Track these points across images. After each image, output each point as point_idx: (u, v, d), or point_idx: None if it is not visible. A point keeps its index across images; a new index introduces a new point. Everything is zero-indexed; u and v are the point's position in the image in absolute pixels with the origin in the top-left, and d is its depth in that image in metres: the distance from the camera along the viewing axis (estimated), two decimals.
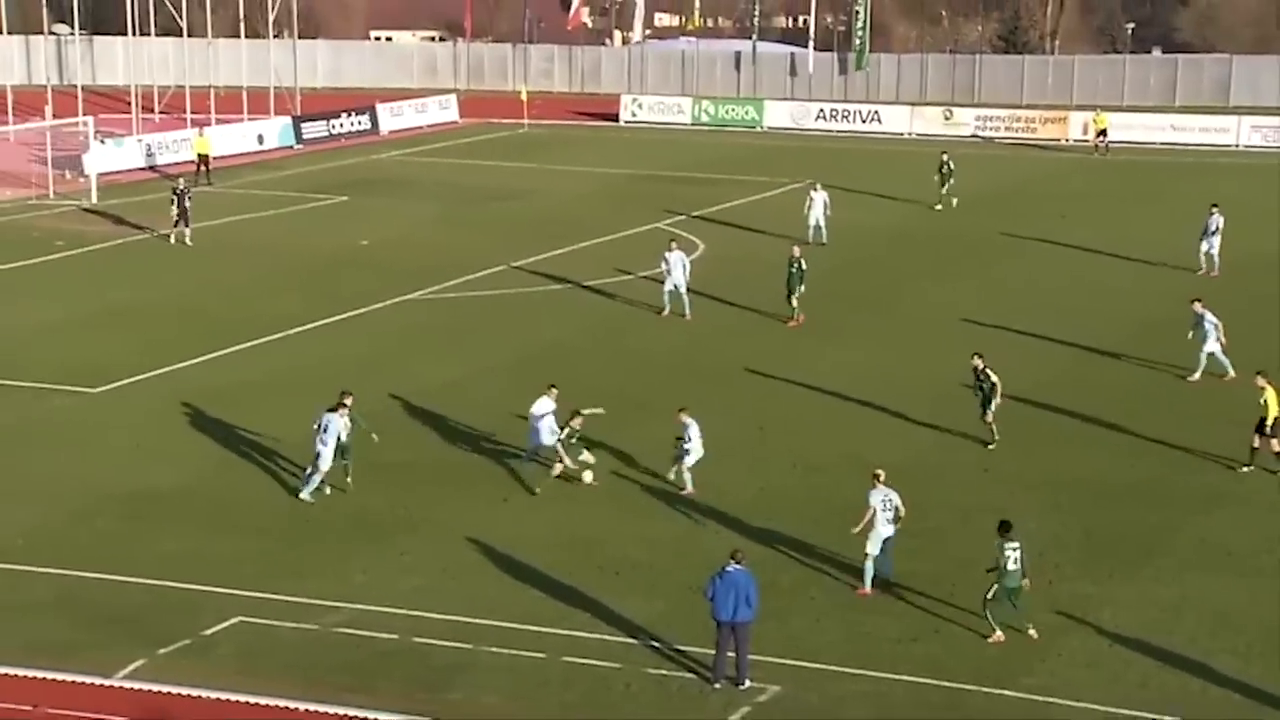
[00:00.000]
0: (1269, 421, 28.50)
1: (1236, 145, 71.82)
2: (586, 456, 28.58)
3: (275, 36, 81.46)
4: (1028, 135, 75.60)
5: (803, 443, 30.95)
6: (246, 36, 78.98)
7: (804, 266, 40.71)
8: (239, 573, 24.84)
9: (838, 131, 78.78)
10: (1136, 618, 23.13)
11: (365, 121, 78.86)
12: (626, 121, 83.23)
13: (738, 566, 21.24)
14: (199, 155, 63.35)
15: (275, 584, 24.43)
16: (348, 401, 28.60)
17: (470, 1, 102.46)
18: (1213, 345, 34.29)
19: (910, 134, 77.47)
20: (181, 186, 51.70)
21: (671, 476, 28.35)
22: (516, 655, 22.13)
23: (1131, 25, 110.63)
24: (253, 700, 20.73)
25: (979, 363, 30.19)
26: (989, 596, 22.36)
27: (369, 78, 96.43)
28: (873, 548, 24.07)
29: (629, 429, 31.80)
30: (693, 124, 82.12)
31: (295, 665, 21.82)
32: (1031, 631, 22.36)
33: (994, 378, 29.98)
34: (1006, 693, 20.96)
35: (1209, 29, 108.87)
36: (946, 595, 23.98)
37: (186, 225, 50.80)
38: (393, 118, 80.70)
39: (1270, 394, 28.57)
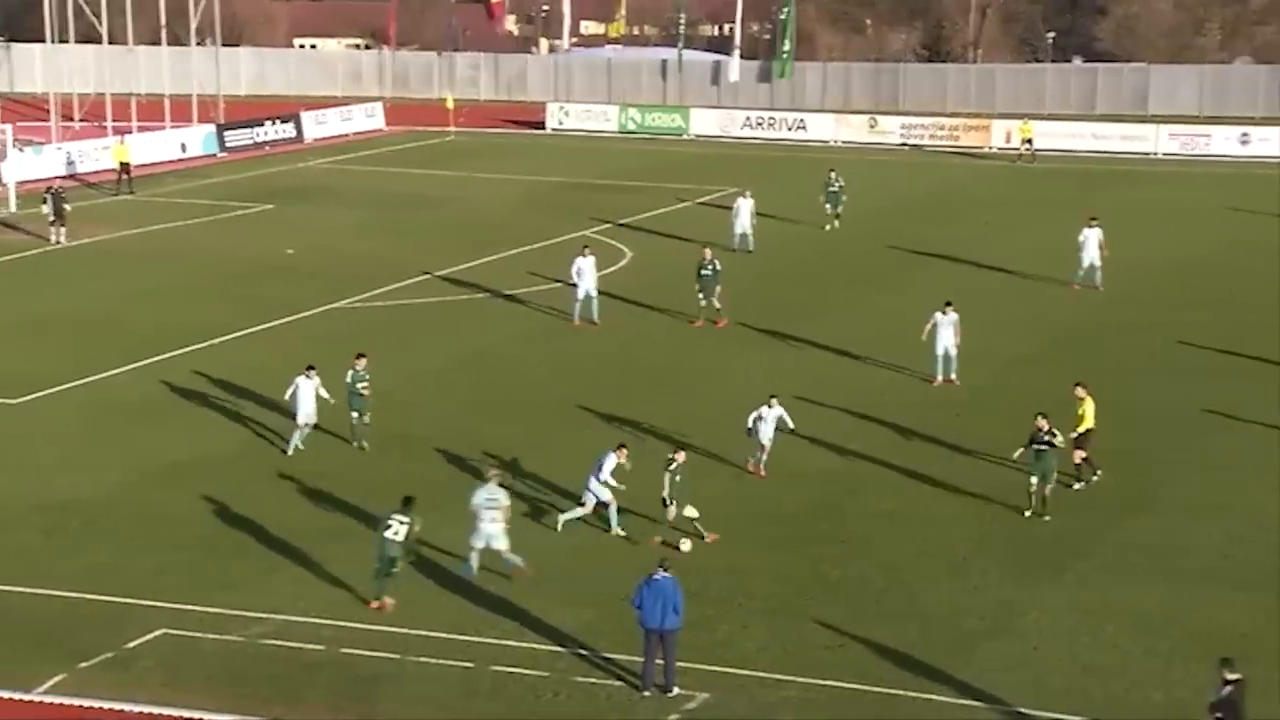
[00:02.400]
0: (1088, 433, 28.58)
1: (1155, 153, 72.76)
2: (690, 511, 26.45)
3: (198, 44, 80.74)
4: (951, 143, 76.23)
5: (728, 450, 31.00)
6: (168, 44, 78.24)
7: (718, 268, 40.78)
8: (163, 585, 24.59)
9: (764, 139, 79.11)
10: (1061, 621, 23.36)
11: (290, 129, 78.33)
12: (553, 129, 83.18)
13: (665, 574, 21.26)
14: (119, 163, 62.69)
15: (200, 595, 24.19)
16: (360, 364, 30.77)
17: (394, 9, 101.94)
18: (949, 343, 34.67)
19: (835, 142, 77.92)
20: (55, 188, 52.05)
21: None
22: (444, 665, 22.04)
23: (1052, 34, 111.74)
24: (176, 714, 20.52)
25: (1044, 423, 27.30)
26: (375, 568, 23.45)
27: (293, 85, 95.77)
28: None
29: (551, 437, 31.76)
30: (619, 132, 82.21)
31: (220, 677, 21.62)
32: (389, 602, 23.35)
33: (1058, 439, 27.31)
34: (934, 697, 21.11)
35: (1127, 39, 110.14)
36: (873, 601, 24.11)
37: (62, 225, 51.29)
38: (318, 126, 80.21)
39: (1090, 405, 28.76)
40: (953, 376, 35.08)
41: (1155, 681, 21.41)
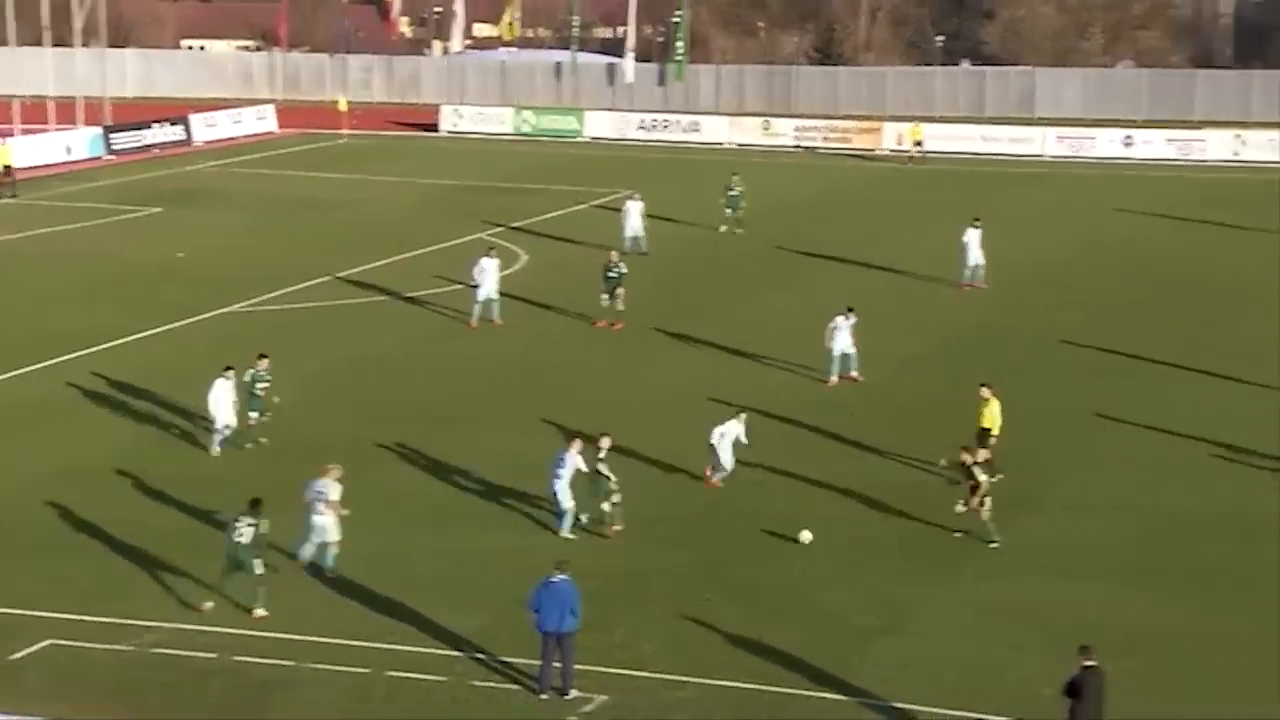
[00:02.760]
0: (993, 432, 29.07)
1: (1042, 155, 73.89)
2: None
3: (83, 45, 79.46)
4: (844, 145, 76.90)
5: (623, 452, 31.01)
6: (52, 44, 76.90)
7: (623, 270, 41.05)
8: (50, 595, 24.18)
9: (658, 141, 79.33)
10: (953, 619, 23.66)
11: (179, 132, 77.32)
12: (448, 132, 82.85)
13: (562, 577, 21.28)
14: (1, 166, 61.54)
15: (88, 605, 23.83)
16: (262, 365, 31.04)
17: (285, 10, 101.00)
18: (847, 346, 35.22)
19: (730, 144, 78.33)
20: None
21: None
22: (339, 671, 21.89)
23: (941, 38, 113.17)
24: None
25: (967, 458, 26.53)
26: (222, 569, 23.46)
27: (182, 87, 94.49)
28: None
29: (448, 440, 31.66)
30: (514, 134, 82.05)
31: (110, 688, 21.32)
32: (259, 611, 23.26)
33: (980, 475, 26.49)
34: (829, 695, 21.29)
35: (1013, 42, 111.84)
36: (770, 601, 24.28)
37: None
38: (207, 128, 79.25)
39: (995, 406, 29.24)
40: (854, 373, 35.40)
41: (1045, 678, 21.69)
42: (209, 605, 23.66)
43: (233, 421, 30.82)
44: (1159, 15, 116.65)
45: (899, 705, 21.00)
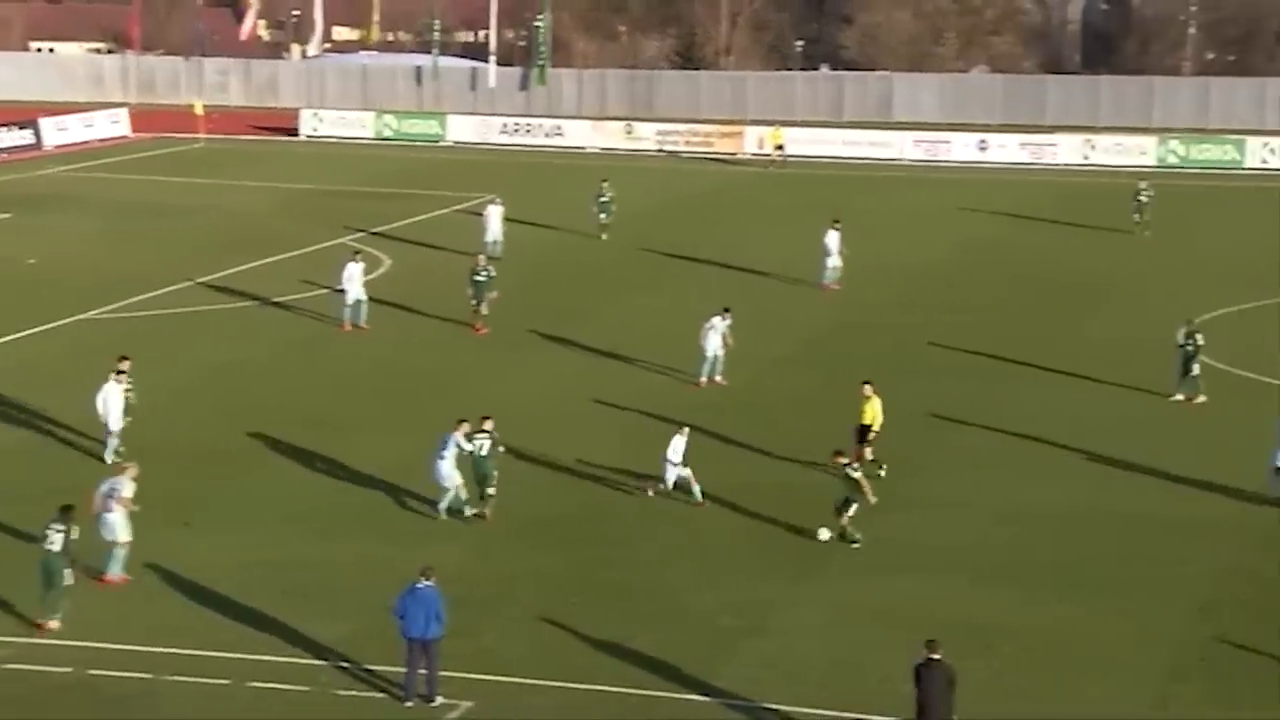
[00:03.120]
0: (873, 429, 29.65)
1: (900, 159, 74.94)
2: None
3: None
4: (706, 149, 77.36)
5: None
6: None
7: (491, 274, 41.05)
8: None
9: (521, 146, 79.20)
10: (815, 618, 23.89)
11: (28, 136, 75.58)
12: (308, 136, 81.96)
13: (428, 583, 21.15)
14: None
15: None
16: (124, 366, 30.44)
17: (137, 12, 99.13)
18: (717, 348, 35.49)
19: (592, 148, 78.42)
20: None
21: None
22: (199, 683, 21.54)
23: (801, 43, 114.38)
24: None
25: (841, 460, 26.74)
26: (39, 581, 22.98)
27: (30, 90, 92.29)
28: None
29: (318, 446, 31.32)
30: (376, 138, 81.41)
31: None
32: (52, 624, 22.95)
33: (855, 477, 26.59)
34: (693, 697, 21.39)
35: (871, 47, 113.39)
36: (636, 603, 24.34)
37: None
38: (58, 132, 77.55)
39: (876, 403, 29.80)
40: (718, 378, 35.67)
41: (905, 675, 21.96)
42: (55, 625, 23.08)
43: (120, 424, 30.11)
44: (1010, 21, 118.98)
45: (763, 705, 21.16)
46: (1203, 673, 22.20)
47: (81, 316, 42.07)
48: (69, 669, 21.86)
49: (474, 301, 40.72)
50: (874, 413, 29.74)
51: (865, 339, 40.61)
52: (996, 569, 25.82)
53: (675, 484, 28.33)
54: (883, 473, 29.46)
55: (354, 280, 40.62)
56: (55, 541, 23.04)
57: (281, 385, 36.12)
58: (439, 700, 21.03)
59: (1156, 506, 28.54)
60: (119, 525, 24.59)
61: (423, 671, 21.08)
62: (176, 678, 21.65)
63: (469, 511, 27.44)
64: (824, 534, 26.48)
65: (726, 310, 36.00)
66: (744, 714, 21.01)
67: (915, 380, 36.57)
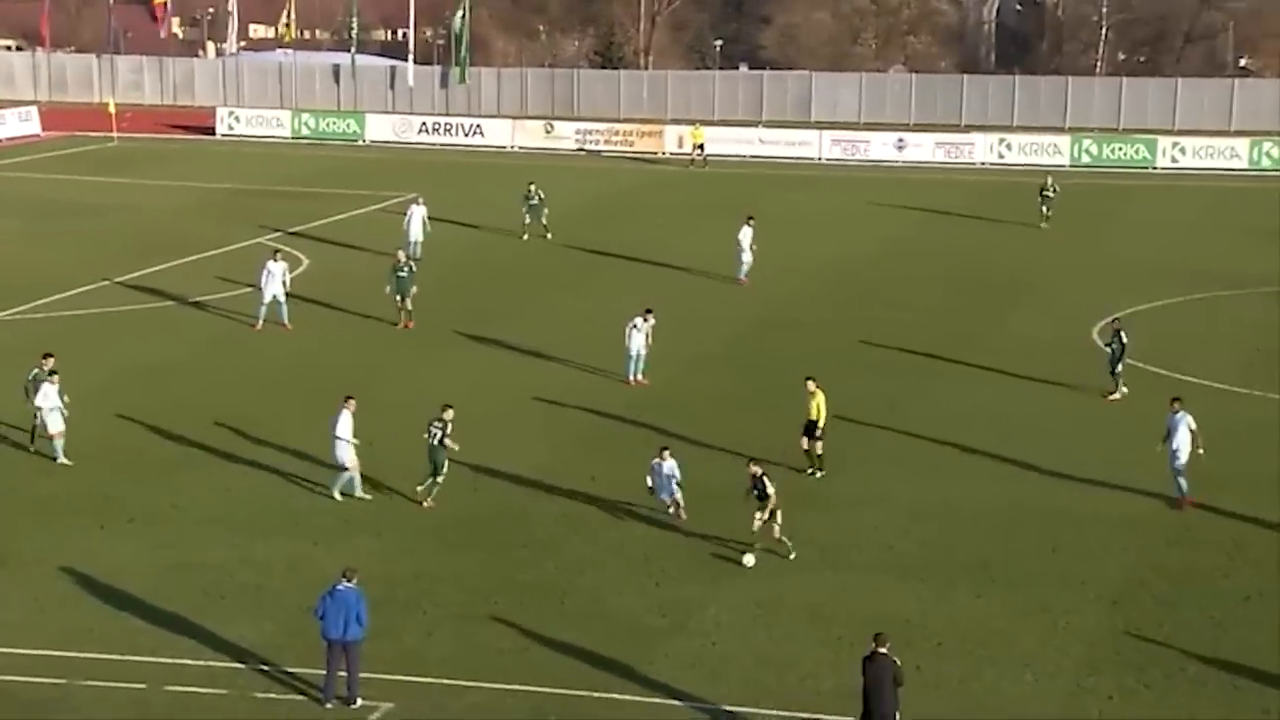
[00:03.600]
0: (819, 424, 29.95)
1: (819, 158, 75.37)
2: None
3: None
4: (626, 148, 77.45)
5: (411, 457, 30.84)
6: None
7: (413, 269, 41.22)
8: None
9: (441, 145, 78.91)
10: (738, 616, 24.00)
11: None
12: (224, 135, 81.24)
13: (349, 585, 21.06)
14: None
15: None
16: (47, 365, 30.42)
17: (47, 9, 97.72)
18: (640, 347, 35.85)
19: (513, 147, 78.28)
20: None
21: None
22: (115, 687, 21.33)
23: (720, 42, 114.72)
24: None
25: (757, 470, 26.21)
26: None
27: None
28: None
29: (235, 448, 31.08)
30: (293, 137, 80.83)
31: None
32: None
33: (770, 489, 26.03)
34: (617, 696, 21.44)
35: (790, 47, 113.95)
36: (558, 603, 24.35)
37: None
38: None
39: (820, 398, 30.06)
40: (640, 376, 35.78)
41: (826, 670, 22.20)
42: None
43: (60, 425, 29.88)
44: (927, 22, 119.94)
45: (687, 703, 21.24)
46: (1115, 666, 22.52)
47: None
48: None
49: (397, 297, 40.70)
50: (820, 408, 29.93)
51: (786, 337, 40.81)
52: (915, 565, 26.06)
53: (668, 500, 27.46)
54: (819, 475, 29.69)
55: (274, 279, 40.37)
56: None
57: (200, 385, 35.78)
58: (359, 702, 20.94)
59: (1071, 502, 28.91)
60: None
61: (343, 674, 20.99)
62: (92, 682, 21.43)
63: (358, 493, 28.24)
64: (749, 560, 25.76)
65: (649, 311, 36.13)
66: (667, 712, 21.08)
67: (834, 377, 36.70)
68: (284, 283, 40.59)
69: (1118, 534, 27.42)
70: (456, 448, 28.17)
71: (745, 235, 46.45)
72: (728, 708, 21.14)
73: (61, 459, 29.91)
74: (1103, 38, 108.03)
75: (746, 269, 46.41)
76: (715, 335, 40.84)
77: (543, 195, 53.35)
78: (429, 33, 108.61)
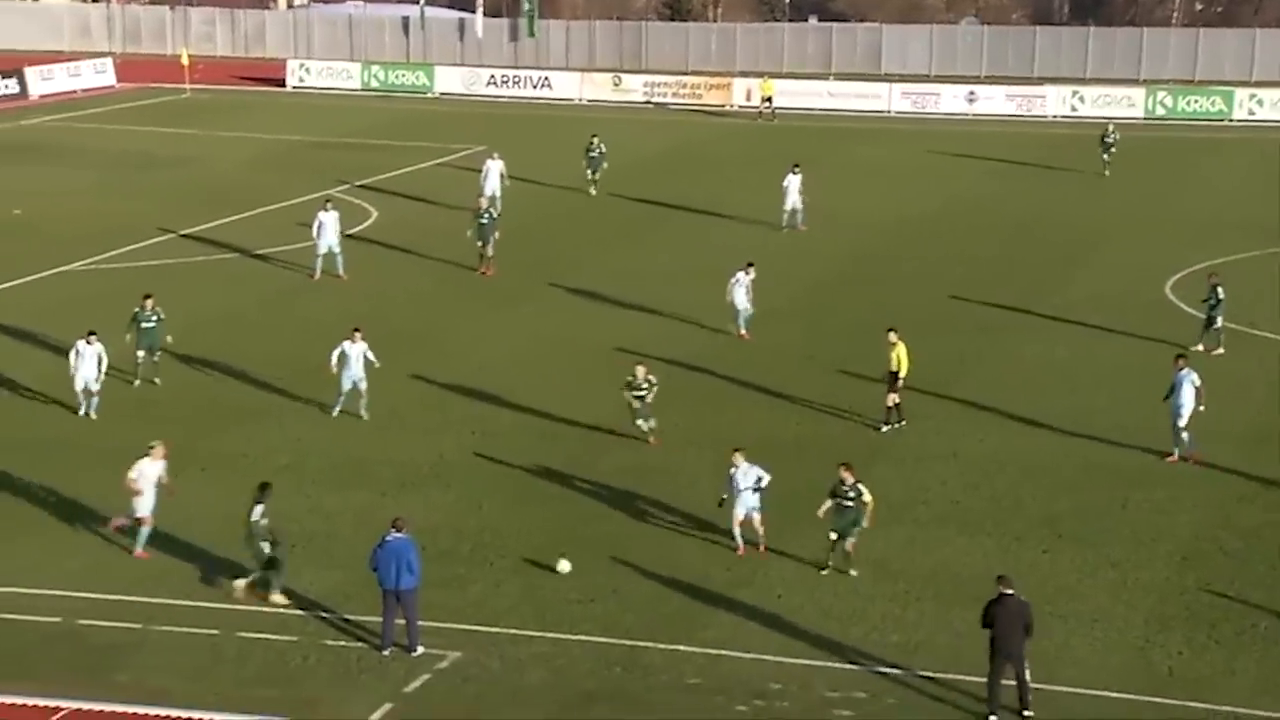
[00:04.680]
0: (902, 375, 29.88)
1: (889, 111, 74.75)
2: None
3: None
4: (694, 101, 77.10)
5: (481, 409, 31.01)
6: None
7: (495, 215, 41.74)
8: None
9: (509, 97, 78.90)
10: (805, 570, 23.98)
11: (12, 85, 75.19)
12: (294, 87, 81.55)
13: (398, 535, 21.22)
14: None
15: None
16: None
17: None
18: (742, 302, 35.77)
19: (580, 100, 78.14)
20: None
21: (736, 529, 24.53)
22: (188, 633, 21.64)
23: None
24: None
25: (848, 476, 23.87)
26: None
27: (15, 39, 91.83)
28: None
29: (303, 399, 31.34)
30: (362, 89, 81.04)
31: None
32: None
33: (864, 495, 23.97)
34: (682, 647, 21.51)
35: None
36: (624, 552, 24.42)
37: None
38: (43, 81, 77.13)
39: (901, 349, 29.94)
40: (743, 331, 35.78)
41: (892, 624, 22.18)
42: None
43: (94, 386, 30.01)
44: None
45: (750, 655, 21.28)
46: (1186, 621, 22.36)
47: (66, 268, 41.98)
48: (58, 619, 21.93)
49: (479, 243, 41.09)
50: (900, 359, 29.84)
51: (853, 292, 40.58)
52: (983, 520, 25.94)
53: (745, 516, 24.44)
54: (900, 425, 29.62)
55: (326, 229, 40.52)
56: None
57: (270, 336, 36.06)
58: (420, 650, 21.11)
59: (1141, 458, 28.64)
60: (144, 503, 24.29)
61: (402, 622, 21.17)
62: (166, 628, 21.74)
63: (363, 412, 29.84)
64: (563, 566, 23.54)
65: (750, 264, 36.02)
66: (733, 665, 21.12)
67: (903, 333, 36.62)
68: (338, 232, 40.73)
69: (1188, 490, 27.17)
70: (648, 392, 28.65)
71: (791, 183, 46.36)
72: (793, 661, 21.16)
73: (84, 411, 30.13)
74: None
75: (789, 218, 46.33)
76: (782, 290, 40.61)
77: (604, 149, 53.20)
78: None
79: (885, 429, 29.83)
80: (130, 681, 20.39)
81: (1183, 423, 28.25)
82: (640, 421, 28.82)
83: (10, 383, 32.24)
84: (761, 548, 24.34)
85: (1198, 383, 28.22)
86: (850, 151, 62.49)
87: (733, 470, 24.41)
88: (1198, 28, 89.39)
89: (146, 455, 24.36)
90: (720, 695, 20.27)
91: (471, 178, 50.01)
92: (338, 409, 30.26)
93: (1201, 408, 28.19)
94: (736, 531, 24.36)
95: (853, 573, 23.64)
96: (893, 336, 30.16)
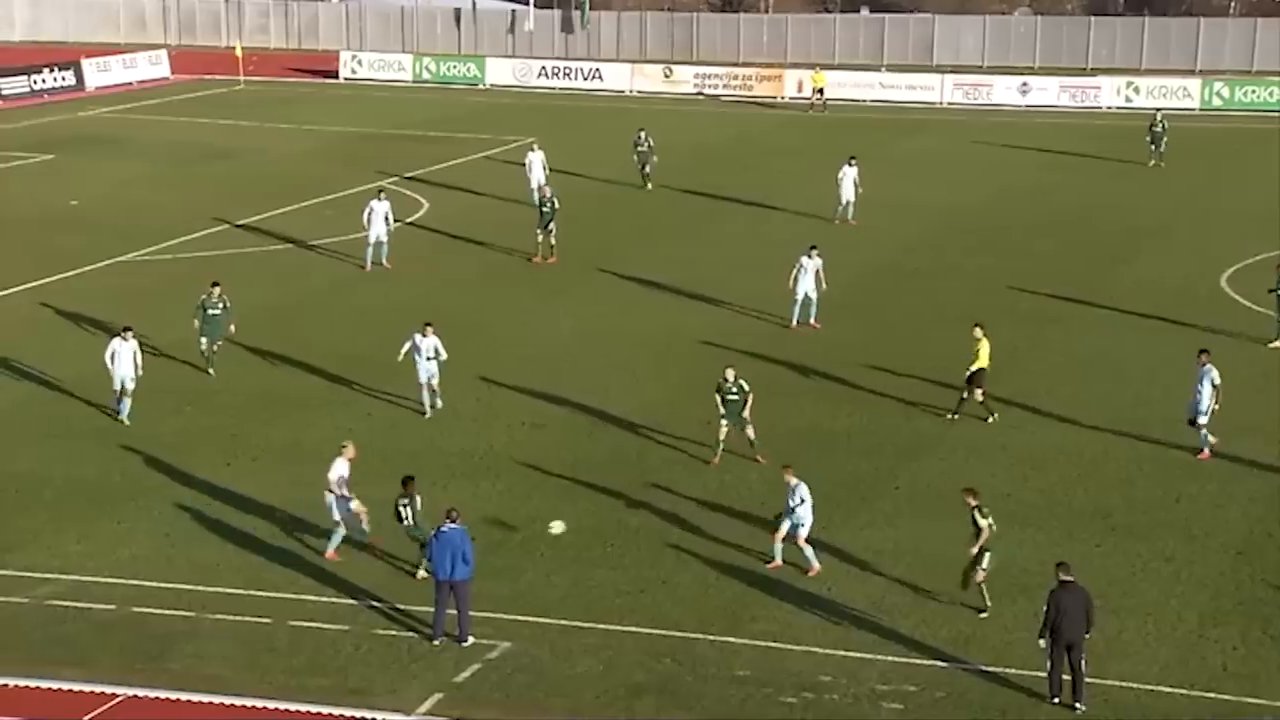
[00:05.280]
0: (980, 371, 29.76)
1: (941, 102, 74.36)
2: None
3: None
4: (745, 93, 76.92)
5: (532, 400, 31.09)
6: None
7: (556, 205, 41.90)
8: None
9: (560, 89, 78.96)
10: (853, 563, 23.94)
11: (69, 77, 75.81)
12: (346, 79, 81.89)
13: (453, 525, 21.30)
14: None
15: None
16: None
17: None
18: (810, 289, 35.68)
19: (631, 91, 78.11)
20: None
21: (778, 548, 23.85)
22: (241, 621, 21.81)
23: None
24: None
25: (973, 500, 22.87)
26: None
27: (72, 31, 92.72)
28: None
29: (356, 389, 31.50)
30: (414, 81, 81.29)
31: (6, 641, 21.13)
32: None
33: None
34: (731, 639, 21.51)
35: None
36: (674, 544, 24.44)
37: None
38: (99, 73, 77.74)
39: (985, 345, 29.81)
40: (813, 321, 35.69)
41: (942, 619, 22.11)
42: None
43: (131, 383, 29.81)
44: None
45: (803, 648, 21.26)
46: (1240, 616, 22.18)
47: (122, 258, 42.33)
48: (113, 606, 22.15)
49: (539, 233, 41.72)
50: (981, 354, 29.76)
51: (907, 284, 40.43)
52: (1034, 514, 25.81)
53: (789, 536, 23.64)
54: (955, 418, 29.54)
55: (377, 217, 40.85)
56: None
57: (320, 326, 36.26)
58: (470, 640, 21.21)
59: (1196, 450, 28.39)
60: (332, 506, 23.95)
61: (453, 612, 21.26)
62: (219, 616, 21.92)
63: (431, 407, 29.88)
64: (556, 526, 23.82)
65: (813, 248, 35.97)
66: (782, 657, 21.11)
67: (954, 326, 36.46)
68: (387, 220, 41.00)
69: (1242, 484, 26.94)
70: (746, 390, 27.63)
71: (847, 175, 46.37)
72: (843, 653, 21.13)
73: (126, 414, 29.63)
74: None
75: (853, 211, 46.20)
76: (835, 280, 40.46)
77: (652, 142, 53.04)
78: None
79: (991, 419, 29.72)
80: (183, 669, 20.59)
81: (1203, 420, 27.98)
82: (726, 426, 27.44)
83: (66, 371, 32.53)
84: (810, 571, 23.51)
85: (1217, 380, 27.95)
86: (902, 143, 62.21)
87: (792, 484, 23.53)
88: (1255, 18, 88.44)
89: (339, 455, 24.01)
90: (769, 687, 20.27)
91: (521, 170, 50.01)
92: (428, 409, 29.93)
93: (1216, 405, 27.90)
94: (778, 548, 23.76)
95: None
96: (978, 332, 30.05)
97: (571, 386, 31.69)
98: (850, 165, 46.70)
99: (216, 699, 19.85)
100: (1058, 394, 31.58)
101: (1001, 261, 42.59)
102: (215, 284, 32.79)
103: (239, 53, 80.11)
